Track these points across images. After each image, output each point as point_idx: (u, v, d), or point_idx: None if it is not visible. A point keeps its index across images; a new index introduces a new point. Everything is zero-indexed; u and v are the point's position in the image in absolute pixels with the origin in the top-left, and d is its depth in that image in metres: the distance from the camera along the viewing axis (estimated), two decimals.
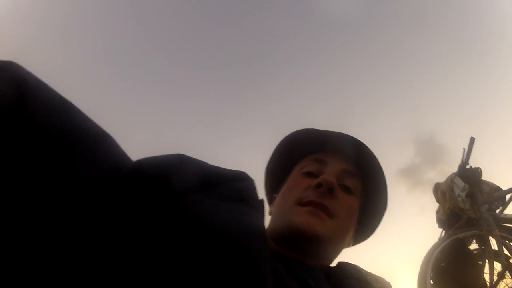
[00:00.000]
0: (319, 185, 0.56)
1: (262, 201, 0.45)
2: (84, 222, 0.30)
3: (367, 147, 0.64)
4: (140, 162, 0.38)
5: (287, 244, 0.54)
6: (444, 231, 2.07)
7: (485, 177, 2.10)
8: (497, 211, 2.09)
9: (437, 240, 1.99)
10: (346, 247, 0.63)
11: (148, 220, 0.33)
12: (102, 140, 0.36)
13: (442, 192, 2.03)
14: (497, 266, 2.00)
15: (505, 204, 2.10)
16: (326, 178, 0.56)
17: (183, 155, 0.42)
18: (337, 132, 0.65)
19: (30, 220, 0.28)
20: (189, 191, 0.37)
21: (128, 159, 0.38)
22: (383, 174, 0.65)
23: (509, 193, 2.10)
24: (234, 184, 0.42)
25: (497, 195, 2.07)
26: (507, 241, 2.01)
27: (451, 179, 2.03)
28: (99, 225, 0.31)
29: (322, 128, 0.66)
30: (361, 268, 0.56)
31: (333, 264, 0.58)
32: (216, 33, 5.02)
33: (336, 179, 0.59)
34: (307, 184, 0.59)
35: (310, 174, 0.62)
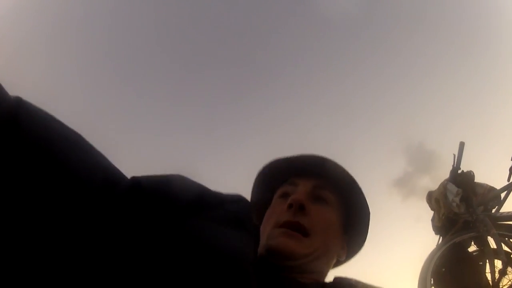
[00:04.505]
0: (290, 206, 0.61)
1: (257, 225, 0.51)
2: (83, 232, 0.32)
3: (332, 161, 0.69)
4: (138, 178, 0.40)
5: (273, 265, 0.57)
6: (441, 238, 2.13)
7: (479, 179, 2.15)
8: (493, 210, 2.13)
9: (434, 247, 2.06)
10: (340, 259, 0.68)
11: (148, 235, 0.35)
12: (93, 154, 0.37)
13: (436, 200, 2.09)
14: (498, 264, 2.06)
15: (500, 203, 2.14)
16: (294, 197, 0.61)
17: (182, 175, 0.44)
18: (303, 155, 0.70)
19: (29, 229, 0.29)
20: (188, 210, 0.39)
21: (122, 174, 0.40)
22: (355, 182, 0.69)
23: (503, 191, 2.15)
24: (231, 206, 0.45)
25: (491, 195, 2.11)
26: (506, 238, 2.07)
27: (443, 186, 2.08)
28: (98, 235, 0.32)
29: (290, 155, 0.71)
30: (358, 281, 0.59)
31: (329, 278, 0.61)
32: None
33: (306, 196, 0.63)
34: (282, 208, 0.63)
35: (285, 194, 0.67)
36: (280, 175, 0.72)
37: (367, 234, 0.73)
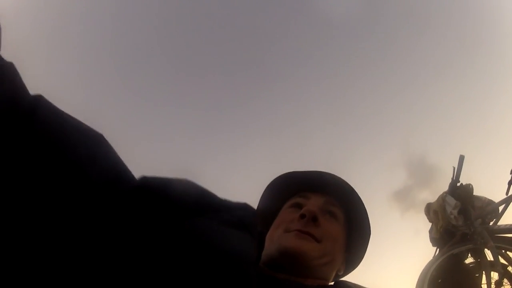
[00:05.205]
0: (303, 216, 0.62)
1: (262, 231, 0.51)
2: (87, 227, 0.31)
3: (344, 181, 0.72)
4: (146, 178, 0.40)
5: (280, 267, 0.58)
6: (438, 249, 2.17)
7: (477, 192, 2.18)
8: (491, 223, 2.16)
9: (431, 258, 2.10)
10: (339, 274, 0.70)
11: (152, 233, 0.35)
12: (100, 145, 0.37)
13: (434, 212, 2.13)
14: (494, 276, 2.10)
15: (498, 216, 2.16)
16: (308, 208, 0.63)
17: (189, 180, 0.44)
18: (317, 172, 0.73)
19: (31, 223, 0.29)
20: (193, 213, 0.40)
21: (128, 170, 0.40)
22: (363, 205, 0.72)
23: (501, 204, 2.17)
24: (237, 212, 0.46)
25: (489, 208, 2.14)
26: (503, 251, 2.10)
27: (442, 198, 2.12)
28: (102, 230, 0.32)
29: (303, 169, 0.74)
30: (358, 286, 0.61)
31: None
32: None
33: (318, 209, 0.65)
34: (293, 217, 0.65)
35: (296, 205, 0.69)
36: (292, 188, 0.74)
37: (364, 255, 0.76)
